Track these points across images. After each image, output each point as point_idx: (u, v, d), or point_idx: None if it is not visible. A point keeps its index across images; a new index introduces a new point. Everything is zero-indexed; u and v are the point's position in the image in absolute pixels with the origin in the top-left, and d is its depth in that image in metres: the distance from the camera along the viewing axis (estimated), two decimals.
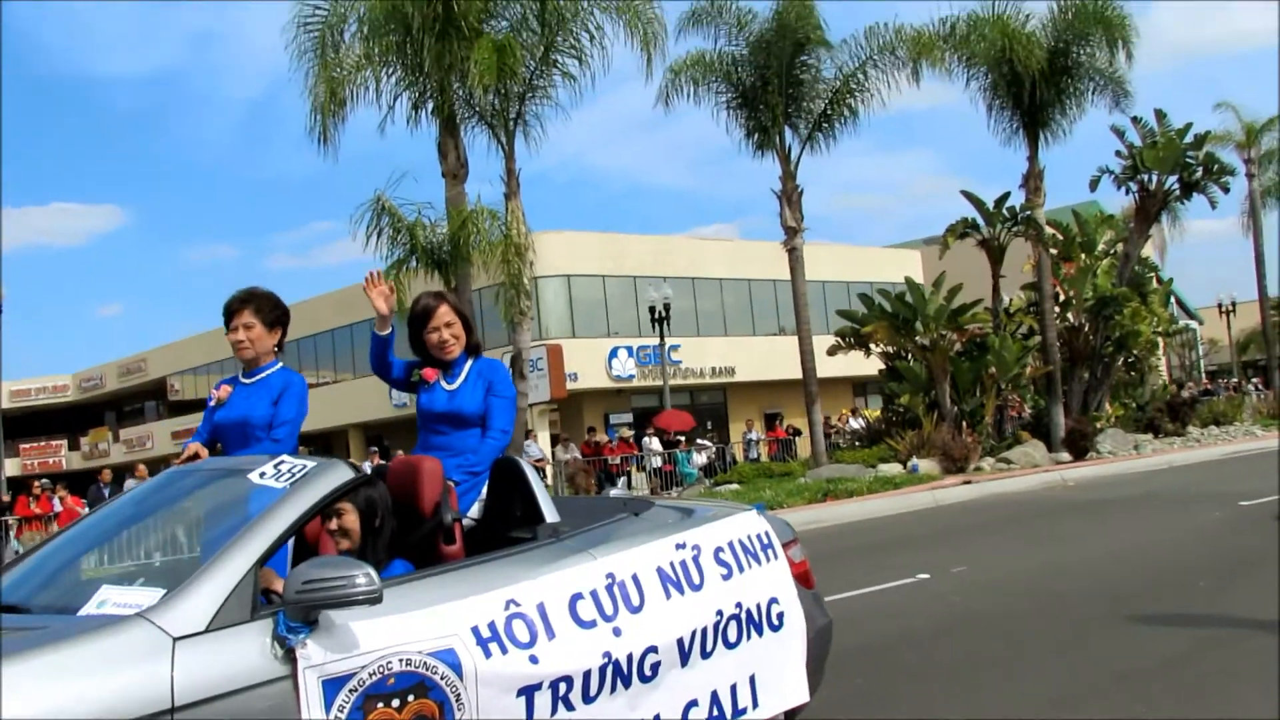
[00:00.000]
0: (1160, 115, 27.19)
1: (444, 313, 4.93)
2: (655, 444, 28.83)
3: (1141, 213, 27.78)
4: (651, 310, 31.53)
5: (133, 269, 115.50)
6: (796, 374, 24.93)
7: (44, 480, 23.32)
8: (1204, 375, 52.35)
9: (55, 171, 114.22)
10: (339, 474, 3.91)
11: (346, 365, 44.95)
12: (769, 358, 41.76)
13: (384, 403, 40.99)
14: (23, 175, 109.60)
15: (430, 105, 21.07)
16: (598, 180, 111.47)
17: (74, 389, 60.64)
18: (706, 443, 31.64)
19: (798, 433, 32.86)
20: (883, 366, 27.52)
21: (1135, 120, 27.56)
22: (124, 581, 3.70)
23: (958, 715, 5.70)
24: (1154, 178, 27.07)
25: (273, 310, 5.13)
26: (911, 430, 24.28)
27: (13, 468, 54.58)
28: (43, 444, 58.77)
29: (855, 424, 31.96)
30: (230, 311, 5.08)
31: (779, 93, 24.18)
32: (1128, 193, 28.16)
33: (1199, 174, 26.85)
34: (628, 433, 31.16)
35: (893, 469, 22.49)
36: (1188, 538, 11.74)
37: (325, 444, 44.80)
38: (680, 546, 4.20)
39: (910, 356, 26.01)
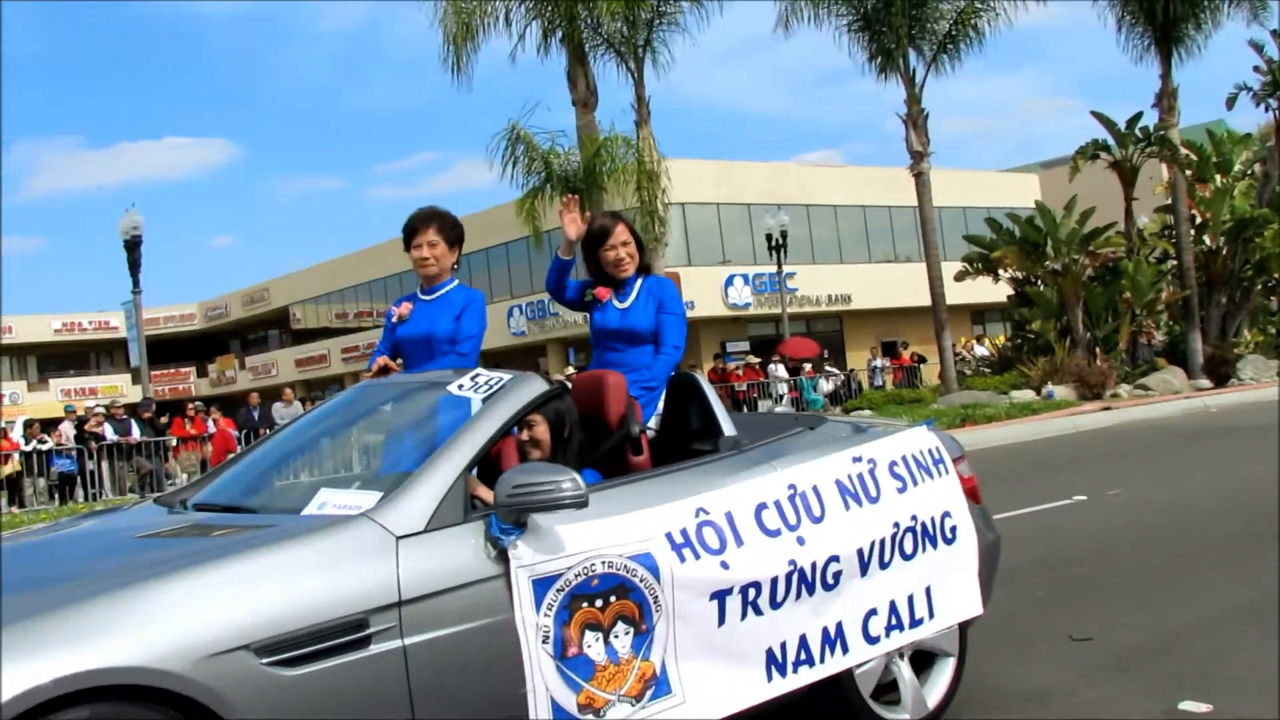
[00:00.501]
0: None
1: (620, 232, 5.05)
2: (781, 371, 28.94)
3: None
4: (768, 238, 31.46)
5: (243, 201, 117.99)
6: (912, 301, 24.79)
7: (197, 403, 24.33)
8: None
9: (166, 107, 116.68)
10: (533, 386, 4.05)
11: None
12: (885, 285, 41.46)
13: (501, 332, 41.66)
14: (134, 111, 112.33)
15: (559, 34, 21.26)
16: (700, 108, 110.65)
17: (200, 318, 62.50)
18: (834, 370, 31.64)
19: (922, 360, 32.73)
20: (1011, 292, 27.23)
21: (1275, 34, 26.63)
22: (338, 486, 3.90)
23: (1138, 625, 5.80)
24: None
25: (453, 229, 5.21)
26: (1043, 357, 24.11)
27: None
28: (172, 371, 60.69)
29: (980, 351, 31.71)
30: (412, 229, 5.15)
31: (902, 14, 23.78)
32: (1267, 110, 27.28)
33: None
34: (754, 360, 31.27)
35: (1025, 395, 22.37)
36: None
37: None
38: (857, 460, 4.28)
39: (1041, 282, 25.69)
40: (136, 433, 21.44)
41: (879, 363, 32.01)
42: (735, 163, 42.05)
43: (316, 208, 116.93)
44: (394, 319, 5.19)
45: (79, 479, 21.04)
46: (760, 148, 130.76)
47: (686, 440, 4.63)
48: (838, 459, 4.25)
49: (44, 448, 21.20)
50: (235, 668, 2.98)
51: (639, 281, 5.11)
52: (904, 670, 4.36)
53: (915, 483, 4.37)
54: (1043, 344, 25.03)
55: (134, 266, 22.58)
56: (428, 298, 5.17)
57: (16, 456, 21.05)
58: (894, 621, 4.21)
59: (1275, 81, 26.29)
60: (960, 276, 26.64)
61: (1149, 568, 7.28)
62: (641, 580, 3.59)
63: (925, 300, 39.76)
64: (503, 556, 3.44)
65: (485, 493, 3.75)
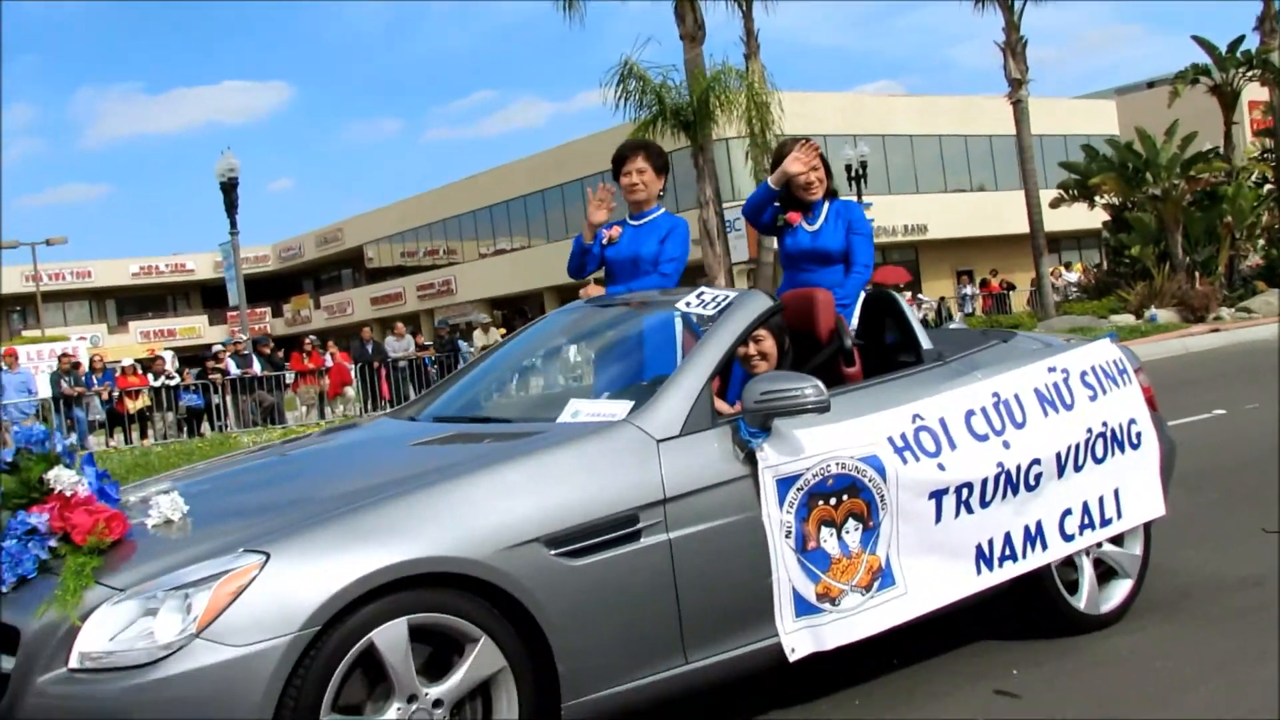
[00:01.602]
0: None
1: (818, 158, 5.24)
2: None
3: None
4: (847, 169, 31.55)
5: (300, 145, 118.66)
6: (989, 230, 24.71)
7: (312, 337, 24.97)
8: None
9: (224, 52, 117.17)
10: (760, 302, 4.26)
11: (540, 230, 45.95)
12: (961, 215, 41.47)
13: None
14: (192, 56, 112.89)
15: None
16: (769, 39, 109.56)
17: (274, 259, 63.40)
18: (926, 297, 31.83)
19: (1011, 287, 32.84)
20: (1106, 218, 27.25)
21: None
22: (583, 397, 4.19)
23: None
24: None
25: (659, 156, 5.46)
26: (1141, 281, 24.20)
27: (221, 334, 57.71)
28: (249, 311, 61.58)
29: (1069, 277, 31.77)
30: (621, 158, 5.46)
31: None
32: None
33: None
34: None
35: (1124, 319, 22.53)
36: None
37: (519, 306, 46.17)
38: (1052, 370, 4.50)
39: (1139, 208, 25.69)
40: (257, 367, 22.10)
41: (969, 290, 32.16)
42: (809, 93, 41.94)
43: (373, 150, 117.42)
44: (604, 240, 5.49)
45: (205, 413, 21.76)
46: (819, 80, 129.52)
47: (883, 354, 4.87)
48: (1035, 369, 4.48)
49: (171, 383, 21.89)
50: (530, 558, 3.29)
51: (826, 205, 5.30)
52: (1086, 568, 4.62)
53: (1104, 391, 4.60)
54: (1140, 269, 25.13)
55: (231, 208, 23.07)
56: (636, 222, 5.47)
57: (146, 392, 21.76)
58: (1087, 521, 4.47)
59: None
60: (1056, 203, 26.79)
61: None
62: (870, 480, 3.86)
63: (999, 229, 39.89)
64: (750, 458, 3.72)
65: (719, 403, 4.02)
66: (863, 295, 5.21)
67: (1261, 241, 27.76)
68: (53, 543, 3.29)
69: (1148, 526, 4.81)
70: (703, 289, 4.44)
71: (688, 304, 4.38)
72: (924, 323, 19.50)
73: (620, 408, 3.83)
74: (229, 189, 22.90)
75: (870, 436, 3.91)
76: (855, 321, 5.09)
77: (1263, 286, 25.04)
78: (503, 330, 26.38)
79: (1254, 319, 22.24)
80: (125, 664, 2.96)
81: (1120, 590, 4.71)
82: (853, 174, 31.30)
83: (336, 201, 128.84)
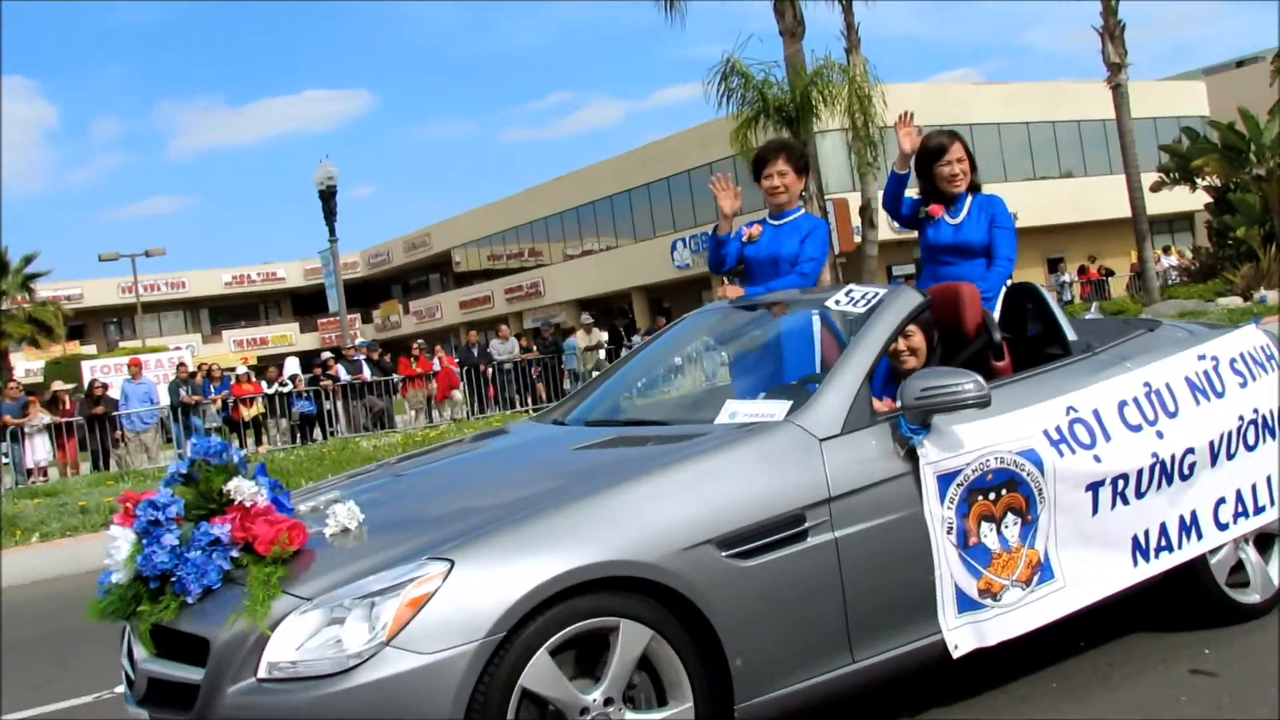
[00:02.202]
0: None
1: (956, 149, 5.20)
2: None
3: None
4: None
5: (378, 150, 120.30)
6: (1077, 218, 24.35)
7: (420, 341, 25.38)
8: None
9: (303, 62, 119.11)
10: (910, 298, 4.26)
11: (627, 230, 46.15)
12: (1050, 202, 40.96)
13: (665, 265, 42.23)
14: (273, 69, 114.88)
15: None
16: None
17: (363, 265, 64.29)
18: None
19: (1111, 273, 32.46)
20: (1209, 200, 26.86)
21: None
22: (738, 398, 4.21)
23: None
24: None
25: (800, 158, 5.49)
26: (1247, 263, 23.83)
27: (312, 341, 58.72)
28: (337, 318, 62.54)
29: (1168, 261, 31.33)
30: (762, 160, 5.48)
31: None
32: None
33: None
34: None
35: (1232, 302, 22.21)
36: None
37: (607, 307, 46.44)
38: (1201, 358, 4.47)
39: (1243, 189, 25.31)
40: (367, 373, 22.54)
41: (1067, 277, 31.84)
42: (893, 84, 41.59)
43: (451, 152, 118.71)
44: (744, 239, 5.52)
45: (317, 419, 22.23)
46: (898, 70, 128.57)
47: (1027, 346, 4.82)
48: (1184, 357, 4.46)
49: (285, 390, 22.41)
50: (703, 560, 3.31)
51: (969, 198, 5.27)
52: (1250, 554, 4.59)
53: (1254, 378, 4.57)
54: (1246, 250, 24.71)
55: (329, 215, 23.39)
56: (777, 222, 5.50)
57: (260, 399, 22.31)
58: (1240, 509, 4.43)
59: None
60: (1157, 187, 26.45)
61: None
62: (1028, 474, 3.86)
63: (1089, 215, 39.24)
64: (911, 455, 3.73)
65: (875, 401, 4.02)
66: (1004, 288, 5.18)
67: None
68: (235, 553, 3.35)
69: None
70: (851, 287, 4.46)
71: (837, 301, 4.40)
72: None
73: (779, 408, 3.85)
74: (328, 197, 23.20)
75: (1027, 430, 3.92)
76: (997, 315, 5.06)
77: None
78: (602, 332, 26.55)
79: None
80: (314, 673, 3.02)
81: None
82: None
83: (416, 206, 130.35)
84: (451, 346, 28.87)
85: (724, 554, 3.35)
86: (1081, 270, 35.17)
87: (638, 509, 3.36)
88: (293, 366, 24.52)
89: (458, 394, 22.90)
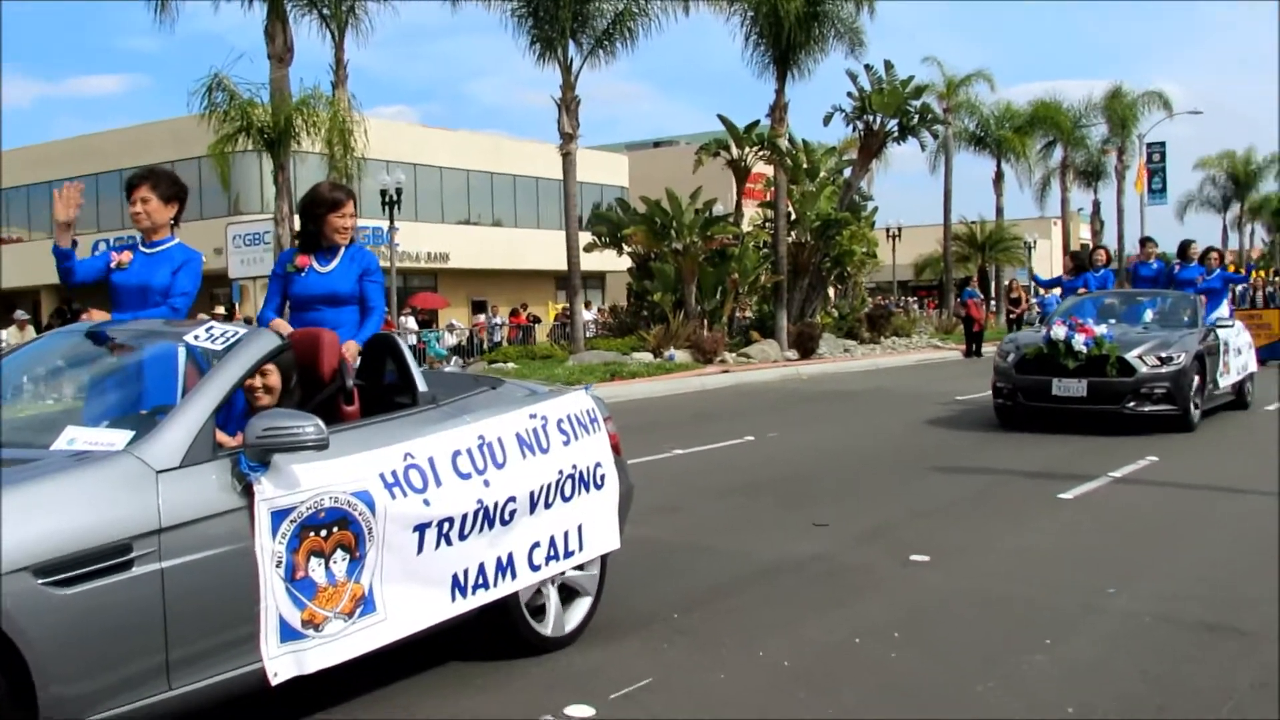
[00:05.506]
0: (889, 66, 30.73)
1: (350, 206, 5.45)
2: (411, 323, 30.51)
3: (865, 149, 31.38)
4: (383, 194, 32.12)
5: None
6: (504, 264, 26.02)
7: None
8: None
9: None
10: (268, 339, 4.48)
11: (41, 223, 43.09)
12: (480, 247, 43.80)
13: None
14: None
15: None
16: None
17: None
18: (459, 323, 33.47)
19: (536, 320, 35.34)
20: (631, 265, 30.18)
21: (867, 68, 30.86)
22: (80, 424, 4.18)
23: (857, 516, 8.00)
24: (878, 119, 30.72)
25: (170, 186, 5.45)
26: (660, 324, 27.14)
27: None
28: None
29: (588, 315, 34.69)
30: (130, 186, 5.41)
31: (568, 8, 26.02)
32: (855, 130, 31.72)
33: (915, 120, 30.77)
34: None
35: (644, 357, 25.22)
36: (939, 419, 14.70)
37: (10, 303, 43.09)
38: (533, 416, 4.95)
39: (661, 259, 28.75)
40: None
41: (499, 320, 34.27)
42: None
43: None
44: (112, 264, 5.44)
45: None
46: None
47: (380, 393, 5.14)
48: (518, 415, 4.91)
49: None
50: (17, 587, 3.27)
51: (342, 249, 5.46)
52: (552, 595, 5.13)
53: (576, 437, 5.09)
54: (660, 313, 28.06)
55: None
56: (149, 250, 5.46)
57: None
58: (553, 552, 4.93)
59: (863, 108, 30.60)
60: (590, 247, 29.15)
61: (837, 483, 9.74)
62: (360, 514, 4.10)
63: (513, 264, 42.47)
64: (248, 490, 3.88)
65: (221, 436, 4.18)
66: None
67: (756, 298, 31.91)
68: None
69: (604, 556, 5.37)
70: (213, 324, 4.58)
71: (196, 337, 4.47)
72: (457, 349, 21.24)
73: (120, 437, 3.89)
74: None
75: (363, 473, 4.15)
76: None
77: (757, 336, 28.86)
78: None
79: (753, 364, 25.69)
80: None
81: (581, 610, 5.27)
82: (387, 199, 32.08)
83: None
84: None
85: (40, 582, 3.34)
86: (514, 313, 38.01)
87: None
88: None
89: None
